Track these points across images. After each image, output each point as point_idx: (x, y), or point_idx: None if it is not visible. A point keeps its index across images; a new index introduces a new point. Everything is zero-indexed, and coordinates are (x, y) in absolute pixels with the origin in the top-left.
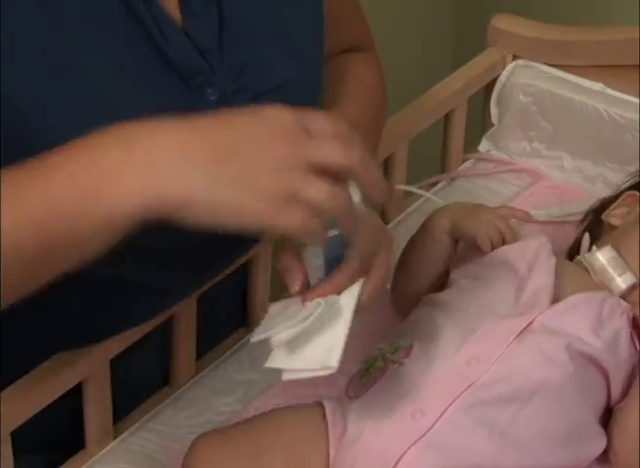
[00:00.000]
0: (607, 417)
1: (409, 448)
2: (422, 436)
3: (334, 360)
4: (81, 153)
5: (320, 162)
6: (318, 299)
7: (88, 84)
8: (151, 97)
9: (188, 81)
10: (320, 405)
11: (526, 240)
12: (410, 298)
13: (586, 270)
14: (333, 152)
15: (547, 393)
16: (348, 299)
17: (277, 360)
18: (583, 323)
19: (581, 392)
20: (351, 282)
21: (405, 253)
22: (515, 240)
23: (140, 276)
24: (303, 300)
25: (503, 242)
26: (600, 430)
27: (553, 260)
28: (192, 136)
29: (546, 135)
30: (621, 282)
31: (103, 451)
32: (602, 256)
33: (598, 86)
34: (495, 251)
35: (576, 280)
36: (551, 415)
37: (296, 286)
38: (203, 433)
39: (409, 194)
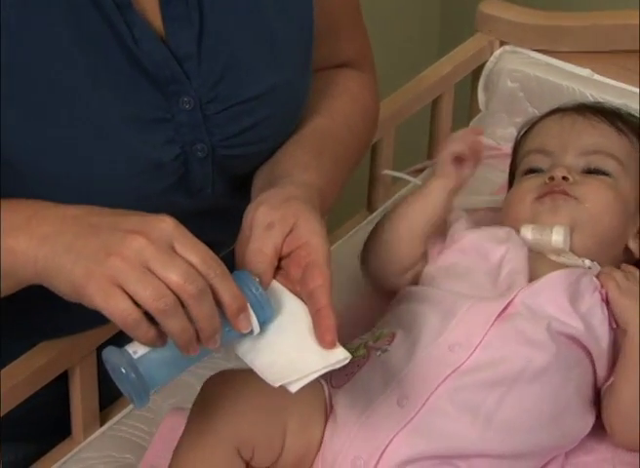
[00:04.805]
0: (597, 396)
1: (396, 434)
2: (409, 422)
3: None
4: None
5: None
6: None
7: (56, 86)
8: (125, 104)
9: (163, 89)
10: (321, 386)
11: (493, 228)
12: (393, 267)
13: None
14: (171, 275)
15: (531, 375)
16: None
17: (279, 374)
18: (562, 301)
19: (565, 372)
20: None
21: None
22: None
23: None
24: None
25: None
26: (587, 409)
27: (525, 246)
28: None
29: None
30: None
31: (90, 439)
32: (557, 236)
33: (585, 72)
34: (465, 240)
35: (545, 261)
36: (536, 397)
37: None
38: (222, 371)
39: (396, 180)
